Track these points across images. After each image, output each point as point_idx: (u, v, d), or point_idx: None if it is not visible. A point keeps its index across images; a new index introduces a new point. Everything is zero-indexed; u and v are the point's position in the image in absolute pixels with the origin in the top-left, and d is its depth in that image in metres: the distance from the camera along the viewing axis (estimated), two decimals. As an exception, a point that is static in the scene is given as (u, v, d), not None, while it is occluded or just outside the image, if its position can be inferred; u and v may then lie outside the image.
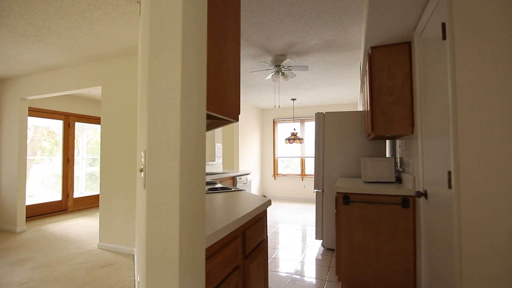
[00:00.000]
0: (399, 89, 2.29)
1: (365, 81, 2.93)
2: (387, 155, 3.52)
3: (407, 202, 2.20)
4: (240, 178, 4.47)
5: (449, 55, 1.29)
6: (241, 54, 3.48)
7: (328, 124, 3.45)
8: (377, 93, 2.35)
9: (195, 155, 0.90)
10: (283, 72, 3.59)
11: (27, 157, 4.45)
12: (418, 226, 2.08)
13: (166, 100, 0.83)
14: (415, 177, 2.18)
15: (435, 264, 1.69)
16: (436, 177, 1.61)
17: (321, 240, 3.51)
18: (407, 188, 2.28)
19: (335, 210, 2.44)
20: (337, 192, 2.42)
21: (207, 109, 1.08)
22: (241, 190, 2.17)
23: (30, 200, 5.04)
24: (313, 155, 7.26)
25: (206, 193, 2.06)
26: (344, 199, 2.37)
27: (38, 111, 5.12)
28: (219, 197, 1.88)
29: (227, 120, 1.39)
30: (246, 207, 1.50)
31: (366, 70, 2.73)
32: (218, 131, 5.24)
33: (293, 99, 6.37)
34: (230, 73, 1.31)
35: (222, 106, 1.22)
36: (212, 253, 1.03)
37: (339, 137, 3.40)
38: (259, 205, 1.55)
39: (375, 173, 2.72)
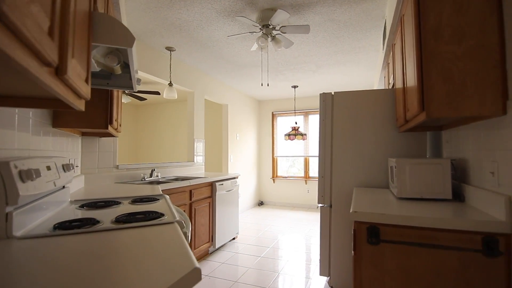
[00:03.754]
0: (476, 32, 1.21)
1: (399, 36, 1.85)
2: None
3: (494, 246, 1.13)
4: (222, 185, 3.42)
5: None
6: (212, 10, 2.44)
7: (338, 109, 2.38)
8: (432, 39, 1.27)
9: None
10: (274, 36, 2.52)
11: None
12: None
13: None
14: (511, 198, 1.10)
15: None
16: None
17: (327, 278, 2.44)
18: (488, 216, 1.20)
19: (353, 252, 1.39)
20: (356, 222, 1.35)
21: None
22: (170, 223, 1.12)
23: None
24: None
25: (77, 234, 1.01)
26: (370, 234, 1.31)
27: None
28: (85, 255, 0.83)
29: None
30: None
31: (402, 16, 1.66)
32: (198, 125, 4.20)
33: (294, 86, 5.29)
34: None
35: None
36: None
37: (354, 127, 2.32)
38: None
39: (417, 184, 1.65)
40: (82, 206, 1.53)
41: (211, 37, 3.01)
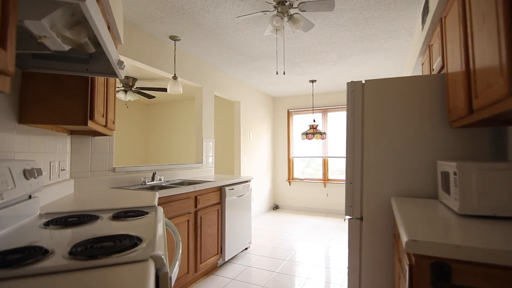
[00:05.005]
0: None
1: (457, 2, 1.42)
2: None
3: None
4: (232, 189, 3.06)
5: None
6: (219, -15, 2.07)
7: (370, 101, 1.96)
8: (535, -15, 0.85)
9: None
10: (291, 15, 2.12)
11: None
12: None
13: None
14: None
15: None
16: None
17: (358, 305, 2.02)
18: None
19: (407, 296, 0.98)
20: (413, 255, 0.94)
21: None
22: (143, 261, 0.76)
23: None
24: (340, 155, 5.70)
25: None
26: (437, 274, 0.90)
27: None
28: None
29: None
30: None
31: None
32: (207, 123, 3.86)
33: (312, 81, 4.86)
34: None
35: None
36: None
37: (391, 123, 1.90)
38: None
39: (488, 197, 1.22)
40: (48, 224, 1.20)
41: (219, 21, 2.65)
